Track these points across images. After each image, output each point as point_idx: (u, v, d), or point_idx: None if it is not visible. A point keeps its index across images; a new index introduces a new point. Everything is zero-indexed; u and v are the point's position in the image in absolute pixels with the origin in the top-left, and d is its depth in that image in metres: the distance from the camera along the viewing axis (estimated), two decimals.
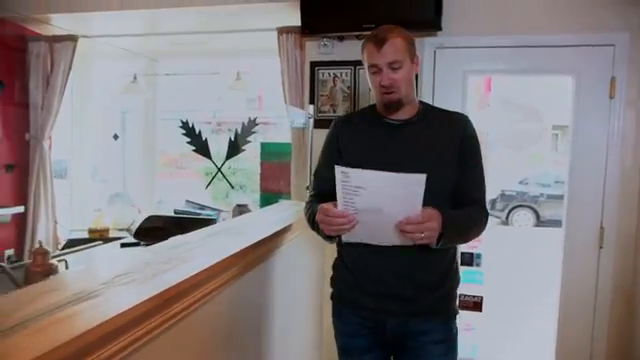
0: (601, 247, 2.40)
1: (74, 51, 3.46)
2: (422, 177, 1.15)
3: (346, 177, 1.20)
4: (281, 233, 1.69)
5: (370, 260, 1.42)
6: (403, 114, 1.43)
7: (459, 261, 1.55)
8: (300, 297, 2.13)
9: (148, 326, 0.88)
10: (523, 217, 7.26)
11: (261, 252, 1.55)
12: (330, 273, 1.57)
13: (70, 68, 3.48)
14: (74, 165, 4.03)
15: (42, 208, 3.55)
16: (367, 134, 1.47)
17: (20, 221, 3.53)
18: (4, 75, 3.41)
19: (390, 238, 1.26)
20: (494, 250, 2.79)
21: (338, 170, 1.21)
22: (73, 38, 3.46)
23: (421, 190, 1.16)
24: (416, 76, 1.51)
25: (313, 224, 1.43)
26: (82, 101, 3.99)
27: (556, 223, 6.58)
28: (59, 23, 3.37)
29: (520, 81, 2.91)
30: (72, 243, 3.06)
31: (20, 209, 3.37)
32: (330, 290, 1.58)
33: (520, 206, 7.11)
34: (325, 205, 1.30)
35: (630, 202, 2.35)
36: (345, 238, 1.32)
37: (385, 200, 1.20)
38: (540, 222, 7.38)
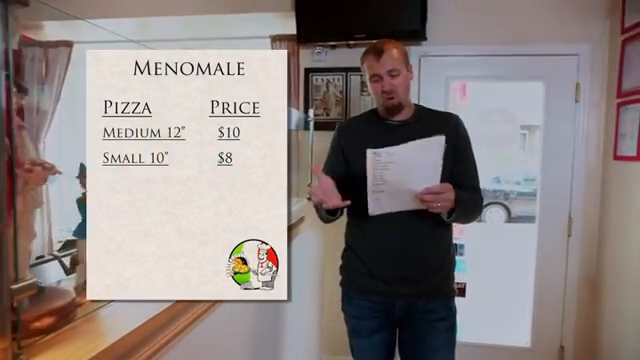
0: (569, 235, 2.67)
1: (69, 56, 3.53)
2: (441, 138, 1.32)
3: (377, 156, 1.36)
4: (298, 224, 1.85)
5: (379, 247, 1.57)
6: (401, 116, 1.59)
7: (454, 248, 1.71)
8: (308, 285, 2.30)
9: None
10: (496, 214, 7.58)
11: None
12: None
13: (65, 73, 3.55)
14: (63, 168, 4.08)
15: (37, 209, 3.60)
16: (369, 134, 1.62)
17: None
18: None
19: (410, 204, 1.42)
20: (474, 241, 3.03)
21: (370, 152, 1.37)
22: (68, 44, 3.53)
23: (441, 152, 1.33)
24: None
25: (318, 209, 1.60)
26: (71, 103, 4.03)
27: (526, 219, 6.90)
28: (53, 30, 3.43)
29: (493, 85, 3.17)
30: (70, 243, 3.13)
31: None
32: (338, 278, 1.73)
33: (493, 203, 7.41)
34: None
35: (594, 194, 2.62)
36: (371, 211, 1.44)
37: (411, 170, 1.37)
38: (511, 218, 7.71)
